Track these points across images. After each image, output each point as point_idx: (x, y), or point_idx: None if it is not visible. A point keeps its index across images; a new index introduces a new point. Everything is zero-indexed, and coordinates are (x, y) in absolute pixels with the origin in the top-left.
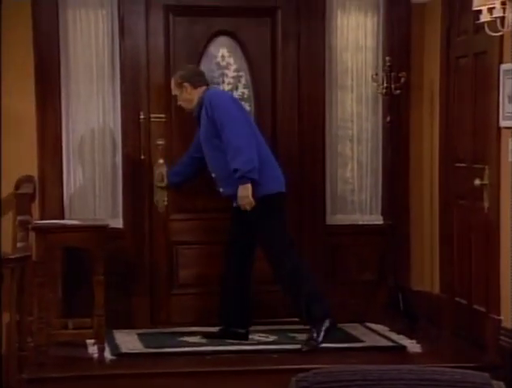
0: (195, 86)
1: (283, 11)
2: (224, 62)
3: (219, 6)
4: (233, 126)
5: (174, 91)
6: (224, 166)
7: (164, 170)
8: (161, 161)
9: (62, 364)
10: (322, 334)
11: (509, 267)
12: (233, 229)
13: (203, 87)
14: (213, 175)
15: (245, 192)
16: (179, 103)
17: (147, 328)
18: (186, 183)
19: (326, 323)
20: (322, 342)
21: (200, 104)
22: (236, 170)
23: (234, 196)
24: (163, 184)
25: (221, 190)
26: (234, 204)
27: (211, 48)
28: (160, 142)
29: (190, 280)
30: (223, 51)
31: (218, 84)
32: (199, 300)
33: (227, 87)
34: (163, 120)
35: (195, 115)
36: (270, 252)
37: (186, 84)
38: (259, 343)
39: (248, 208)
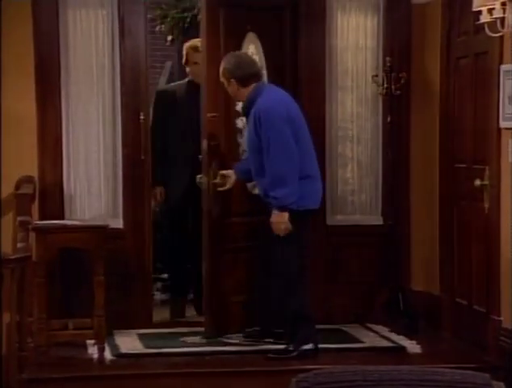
0: (243, 84)
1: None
2: None
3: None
4: (279, 151)
5: (221, 79)
6: (261, 179)
7: (220, 172)
8: (215, 164)
9: (62, 365)
10: (299, 352)
11: (510, 268)
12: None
13: (253, 85)
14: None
15: (281, 219)
16: (226, 87)
17: (147, 328)
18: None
19: (308, 346)
20: (295, 357)
21: (250, 101)
22: (275, 198)
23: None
24: (226, 188)
25: (256, 191)
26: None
27: (244, 46)
28: (213, 143)
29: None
30: (252, 48)
31: None
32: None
33: None
34: (214, 118)
35: (244, 111)
36: (275, 263)
37: (233, 80)
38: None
39: (282, 234)
